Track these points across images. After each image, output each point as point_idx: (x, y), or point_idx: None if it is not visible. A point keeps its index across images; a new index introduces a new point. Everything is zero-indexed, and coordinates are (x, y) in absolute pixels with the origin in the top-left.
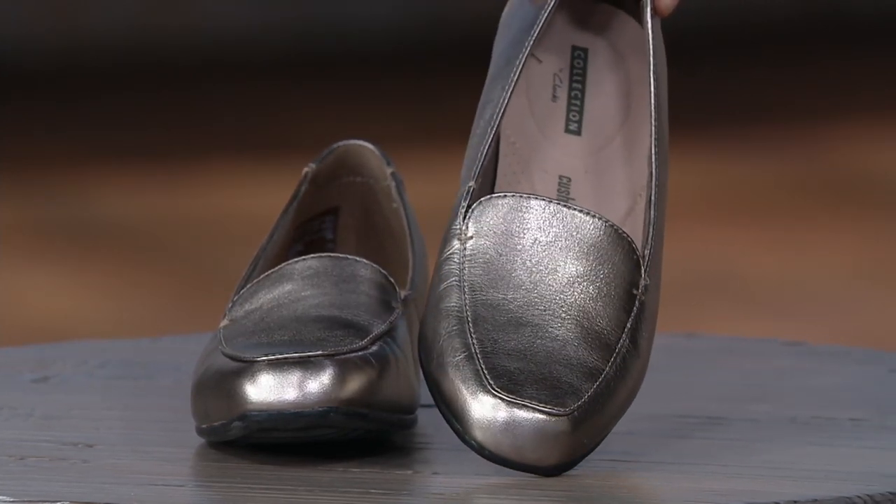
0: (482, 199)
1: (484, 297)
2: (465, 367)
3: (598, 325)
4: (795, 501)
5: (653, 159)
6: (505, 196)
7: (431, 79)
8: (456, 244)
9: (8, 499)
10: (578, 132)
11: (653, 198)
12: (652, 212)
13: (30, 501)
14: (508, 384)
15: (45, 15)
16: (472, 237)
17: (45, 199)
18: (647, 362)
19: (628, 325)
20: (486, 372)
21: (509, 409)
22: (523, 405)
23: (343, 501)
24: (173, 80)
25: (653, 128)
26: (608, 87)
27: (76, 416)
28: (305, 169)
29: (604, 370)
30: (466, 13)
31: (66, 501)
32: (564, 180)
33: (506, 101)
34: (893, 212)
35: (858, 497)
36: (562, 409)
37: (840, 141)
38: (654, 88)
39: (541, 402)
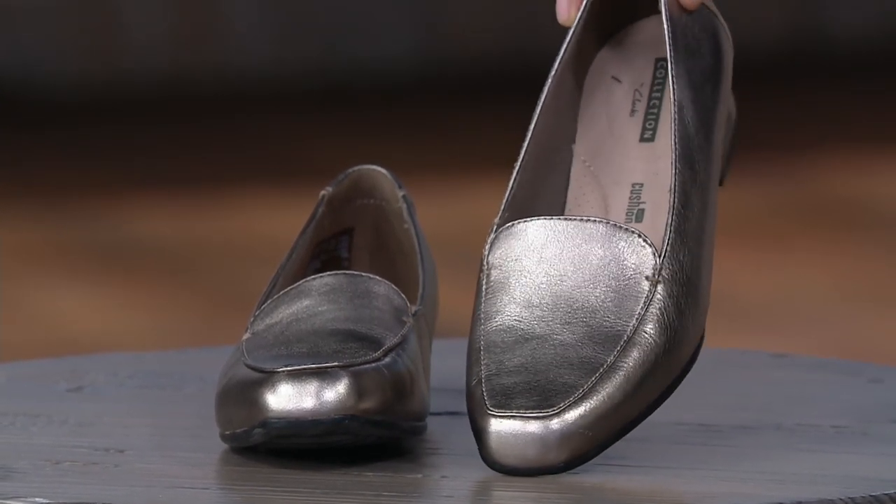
0: (497, 232)
1: (496, 324)
2: (474, 393)
3: (606, 321)
4: (781, 503)
5: (674, 160)
6: (514, 224)
7: (441, 110)
8: (482, 280)
9: (44, 500)
10: (653, 139)
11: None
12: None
13: (64, 503)
14: (502, 400)
15: (86, 51)
16: (490, 271)
17: (82, 223)
18: (672, 347)
19: (638, 313)
20: (485, 394)
21: (499, 423)
22: (510, 416)
23: (357, 503)
24: (202, 111)
25: (674, 127)
26: None
27: (108, 423)
28: (322, 192)
29: (606, 361)
30: (476, 50)
31: (98, 503)
32: (637, 187)
33: (530, 131)
34: (870, 233)
35: (840, 499)
36: (548, 410)
37: (821, 168)
38: (676, 87)
39: (527, 409)
